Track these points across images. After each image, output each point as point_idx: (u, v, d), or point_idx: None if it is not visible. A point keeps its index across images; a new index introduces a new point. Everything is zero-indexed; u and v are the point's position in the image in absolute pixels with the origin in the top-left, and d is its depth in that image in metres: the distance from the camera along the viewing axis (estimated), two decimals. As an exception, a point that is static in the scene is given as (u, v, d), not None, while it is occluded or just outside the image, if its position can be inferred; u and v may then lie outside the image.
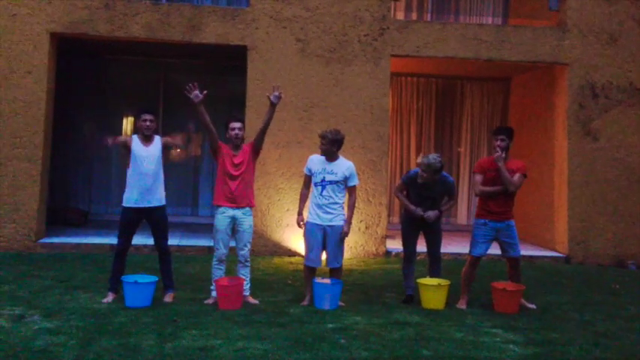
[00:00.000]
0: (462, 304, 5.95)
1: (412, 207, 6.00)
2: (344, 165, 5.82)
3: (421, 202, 6.00)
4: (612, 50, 9.05)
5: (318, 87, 8.64)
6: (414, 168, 6.30)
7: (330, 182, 5.75)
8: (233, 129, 5.76)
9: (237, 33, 8.54)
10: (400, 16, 9.87)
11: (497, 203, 5.88)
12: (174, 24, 8.44)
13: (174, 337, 4.63)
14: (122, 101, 10.71)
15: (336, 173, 5.77)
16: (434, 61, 9.32)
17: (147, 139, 5.73)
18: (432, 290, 5.87)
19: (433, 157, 5.84)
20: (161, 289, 5.79)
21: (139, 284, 5.53)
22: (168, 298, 5.73)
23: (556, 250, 9.21)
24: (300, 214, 5.90)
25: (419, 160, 6.01)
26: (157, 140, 5.79)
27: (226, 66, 10.37)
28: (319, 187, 5.77)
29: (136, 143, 5.71)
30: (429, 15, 10.32)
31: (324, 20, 8.64)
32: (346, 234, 5.84)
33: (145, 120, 5.70)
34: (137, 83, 10.70)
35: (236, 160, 5.73)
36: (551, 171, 9.38)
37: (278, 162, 8.57)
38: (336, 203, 5.80)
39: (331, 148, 5.78)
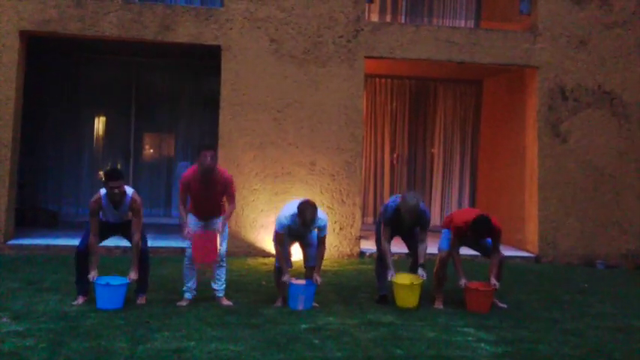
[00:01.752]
0: (438, 304, 5.99)
1: (389, 262, 5.89)
2: (317, 222, 5.68)
3: (399, 230, 6.05)
4: (582, 54, 9.23)
5: (292, 88, 8.64)
6: (389, 200, 6.22)
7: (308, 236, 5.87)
8: (205, 157, 5.53)
9: (210, 33, 8.49)
10: (374, 17, 9.93)
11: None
12: (147, 23, 8.36)
13: (146, 340, 4.59)
14: (94, 100, 10.58)
15: (313, 231, 5.80)
16: (407, 62, 9.39)
17: (117, 205, 5.54)
18: (406, 289, 5.91)
19: (411, 199, 5.82)
20: (133, 291, 5.73)
21: (111, 286, 5.46)
22: (140, 300, 5.67)
23: (526, 250, 9.35)
24: (285, 273, 5.68)
25: (403, 209, 5.91)
26: (127, 204, 5.56)
27: (200, 66, 10.32)
28: (295, 241, 5.89)
29: (105, 205, 5.53)
30: (402, 17, 10.40)
31: (298, 21, 8.64)
32: (317, 282, 5.74)
33: (113, 188, 5.41)
34: (109, 82, 10.57)
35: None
36: (522, 172, 9.52)
37: (252, 163, 8.55)
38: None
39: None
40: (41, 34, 8.34)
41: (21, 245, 8.07)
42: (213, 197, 5.70)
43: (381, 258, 6.22)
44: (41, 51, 9.48)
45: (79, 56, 10.31)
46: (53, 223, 9.64)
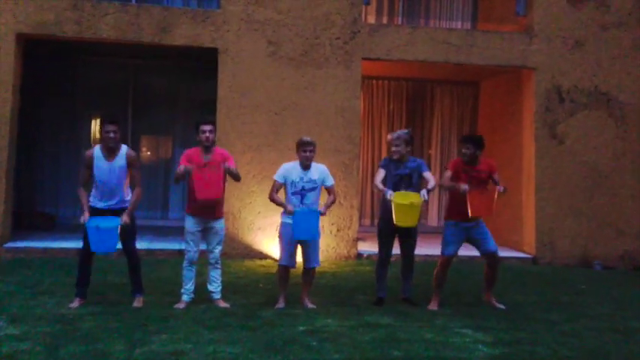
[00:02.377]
0: (433, 306, 6.00)
1: (382, 188, 5.97)
2: (318, 169, 5.82)
3: (398, 182, 6.05)
4: (578, 55, 9.24)
5: (289, 90, 8.64)
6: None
7: (311, 189, 5.77)
8: (204, 132, 5.67)
9: (207, 35, 8.49)
10: (371, 19, 9.94)
11: (465, 206, 5.94)
12: (144, 25, 8.36)
13: (143, 342, 4.57)
14: (91, 103, 10.57)
15: (315, 180, 5.77)
16: (404, 64, 9.40)
17: (110, 153, 5.49)
18: (405, 208, 5.79)
19: (401, 130, 6.24)
20: (129, 292, 5.71)
21: (102, 229, 5.31)
22: (137, 302, 5.66)
23: (524, 251, 9.36)
24: (286, 206, 5.69)
25: (389, 137, 6.13)
26: (122, 154, 5.54)
27: (197, 68, 10.31)
28: (299, 196, 5.75)
29: (97, 157, 5.49)
30: (399, 19, 10.42)
31: (295, 23, 8.64)
32: (323, 214, 5.77)
33: (109, 131, 5.42)
34: (106, 85, 10.57)
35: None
36: (519, 173, 9.54)
37: (249, 165, 8.54)
38: (315, 205, 5.84)
39: (314, 154, 5.80)
40: (38, 36, 8.34)
41: (18, 248, 8.05)
42: (214, 173, 5.64)
43: (381, 260, 6.22)
44: (38, 53, 9.46)
45: (75, 59, 10.30)
46: (50, 226, 9.62)
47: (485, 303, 6.15)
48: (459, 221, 5.98)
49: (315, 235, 5.70)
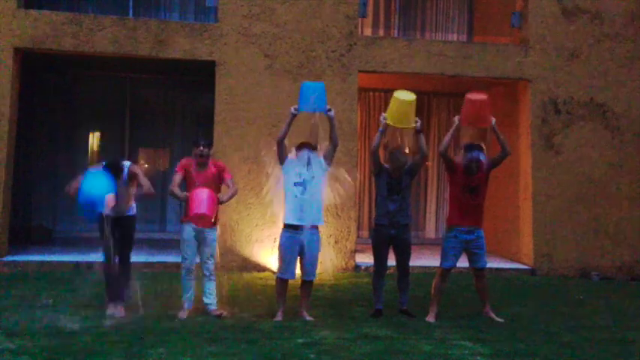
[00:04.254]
0: (431, 317, 5.99)
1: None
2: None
3: (391, 187, 6.22)
4: (573, 66, 9.30)
5: (286, 102, 8.64)
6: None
7: (310, 178, 5.90)
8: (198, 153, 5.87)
9: (205, 48, 8.53)
10: (367, 32, 10.00)
11: (468, 211, 5.98)
12: (141, 39, 8.40)
13: (141, 356, 4.56)
14: (89, 116, 10.59)
15: (316, 169, 5.97)
16: (401, 76, 9.44)
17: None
18: (403, 104, 6.17)
19: (398, 152, 6.42)
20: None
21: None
22: (113, 308, 5.70)
23: (521, 262, 9.36)
24: (291, 110, 6.18)
25: (386, 156, 6.27)
26: (125, 172, 5.76)
27: (194, 81, 10.34)
28: (300, 187, 5.84)
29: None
30: (395, 31, 10.48)
31: (292, 36, 8.69)
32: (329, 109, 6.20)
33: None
34: (104, 98, 10.59)
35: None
36: (516, 184, 9.56)
37: (247, 177, 8.55)
38: (318, 199, 5.91)
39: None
40: (36, 51, 8.36)
41: (15, 262, 8.03)
42: (209, 184, 5.78)
43: (377, 271, 6.22)
44: (36, 68, 9.49)
45: (73, 73, 10.33)
46: (47, 240, 9.59)
47: (484, 316, 6.14)
48: (459, 227, 5.99)
49: (322, 105, 6.10)
